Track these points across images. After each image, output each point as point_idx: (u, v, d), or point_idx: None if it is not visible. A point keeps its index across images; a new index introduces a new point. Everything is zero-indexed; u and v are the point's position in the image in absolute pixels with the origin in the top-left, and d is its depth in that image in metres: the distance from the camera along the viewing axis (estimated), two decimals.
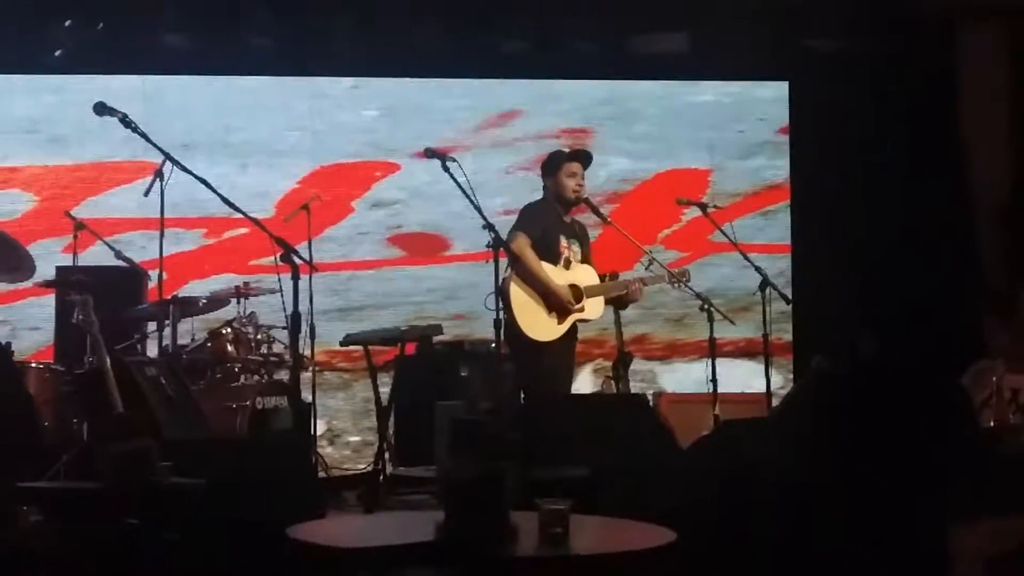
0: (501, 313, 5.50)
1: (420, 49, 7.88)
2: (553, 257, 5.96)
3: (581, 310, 5.97)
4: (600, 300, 6.08)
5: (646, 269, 6.20)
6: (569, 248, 6.06)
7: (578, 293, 5.97)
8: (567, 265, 6.01)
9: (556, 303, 5.88)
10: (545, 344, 5.86)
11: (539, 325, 5.85)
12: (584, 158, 6.18)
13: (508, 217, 6.07)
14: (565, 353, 6.03)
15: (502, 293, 5.72)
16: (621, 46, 8.17)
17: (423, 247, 8.14)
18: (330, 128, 8.12)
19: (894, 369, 4.41)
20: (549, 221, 6.04)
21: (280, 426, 6.14)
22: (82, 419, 5.62)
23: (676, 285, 6.27)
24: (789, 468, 3.84)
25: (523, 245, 5.83)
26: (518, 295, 5.81)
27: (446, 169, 5.35)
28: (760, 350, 6.30)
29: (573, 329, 6.02)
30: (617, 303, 6.20)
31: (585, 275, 6.07)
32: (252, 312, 6.59)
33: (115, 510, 3.52)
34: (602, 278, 6.15)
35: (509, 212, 6.23)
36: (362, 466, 7.25)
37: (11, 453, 4.51)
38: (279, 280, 5.38)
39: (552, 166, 6.14)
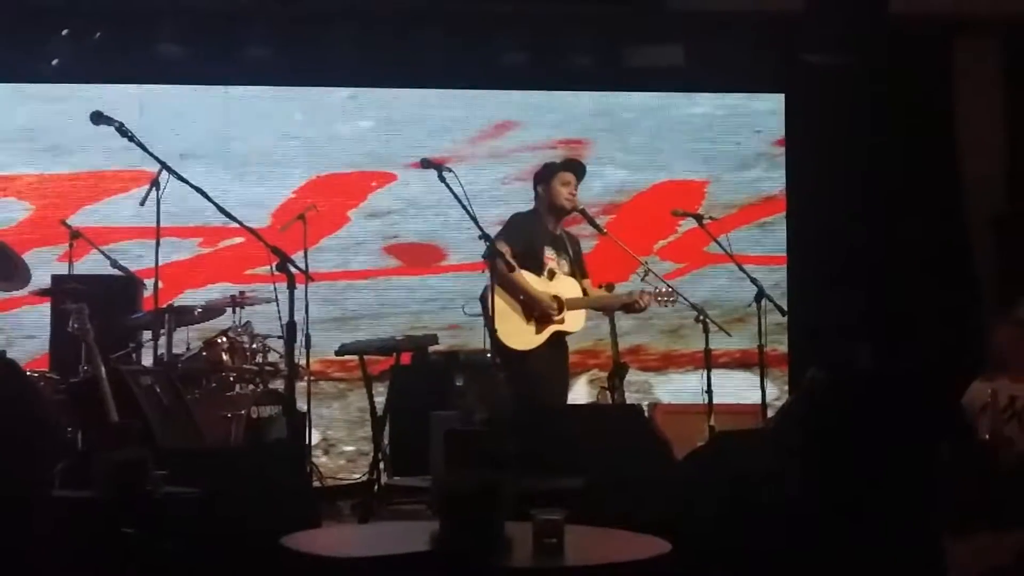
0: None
1: (416, 60, 7.88)
2: (536, 267, 5.93)
3: (561, 321, 5.96)
4: (582, 314, 6.06)
5: (642, 280, 6.19)
6: (556, 260, 6.05)
7: (559, 304, 5.96)
8: (551, 276, 5.99)
9: (537, 310, 5.86)
10: (527, 353, 5.85)
11: (516, 333, 5.83)
12: (578, 169, 6.17)
13: None
14: (553, 363, 6.01)
15: (482, 300, 5.71)
16: (617, 58, 8.18)
17: (419, 257, 8.14)
18: (326, 138, 8.12)
19: (890, 381, 4.41)
20: (535, 231, 6.02)
21: (275, 435, 6.13)
22: (77, 428, 5.60)
23: (664, 304, 6.22)
24: (784, 479, 3.84)
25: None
26: (498, 302, 5.78)
27: (442, 179, 5.36)
28: (755, 361, 6.29)
29: (560, 340, 6.02)
30: (626, 310, 6.17)
31: (568, 287, 6.05)
32: (248, 321, 6.58)
33: (109, 519, 3.51)
34: (599, 289, 6.16)
35: (505, 223, 6.22)
36: (357, 476, 7.24)
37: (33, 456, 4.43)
38: (275, 289, 5.39)
39: (546, 174, 6.12)
